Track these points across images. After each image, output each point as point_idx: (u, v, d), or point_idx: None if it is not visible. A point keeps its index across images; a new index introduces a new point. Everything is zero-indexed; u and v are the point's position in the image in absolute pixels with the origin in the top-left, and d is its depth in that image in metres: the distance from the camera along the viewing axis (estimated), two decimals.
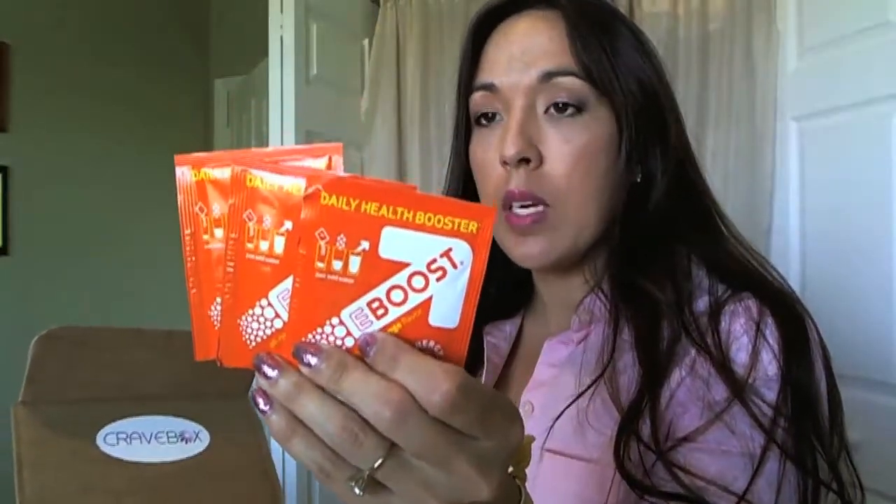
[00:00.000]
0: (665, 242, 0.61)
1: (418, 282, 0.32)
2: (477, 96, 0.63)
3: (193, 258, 0.37)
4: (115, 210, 2.67)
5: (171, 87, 2.90)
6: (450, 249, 0.32)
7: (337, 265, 0.32)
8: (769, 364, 0.53)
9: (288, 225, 0.34)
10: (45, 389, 0.41)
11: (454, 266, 0.32)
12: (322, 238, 0.31)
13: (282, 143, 1.78)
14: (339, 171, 0.36)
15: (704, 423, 0.52)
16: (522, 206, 0.59)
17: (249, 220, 0.34)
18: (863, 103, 1.43)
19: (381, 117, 2.03)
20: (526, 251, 0.60)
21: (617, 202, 0.61)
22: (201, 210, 0.37)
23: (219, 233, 0.37)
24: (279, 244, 0.34)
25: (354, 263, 0.32)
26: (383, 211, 0.31)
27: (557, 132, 0.59)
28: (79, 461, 0.41)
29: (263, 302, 0.34)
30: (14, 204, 2.34)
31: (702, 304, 0.57)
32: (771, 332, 0.54)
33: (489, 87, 0.62)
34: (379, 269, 0.32)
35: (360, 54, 2.09)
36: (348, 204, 0.31)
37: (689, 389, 0.53)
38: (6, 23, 2.33)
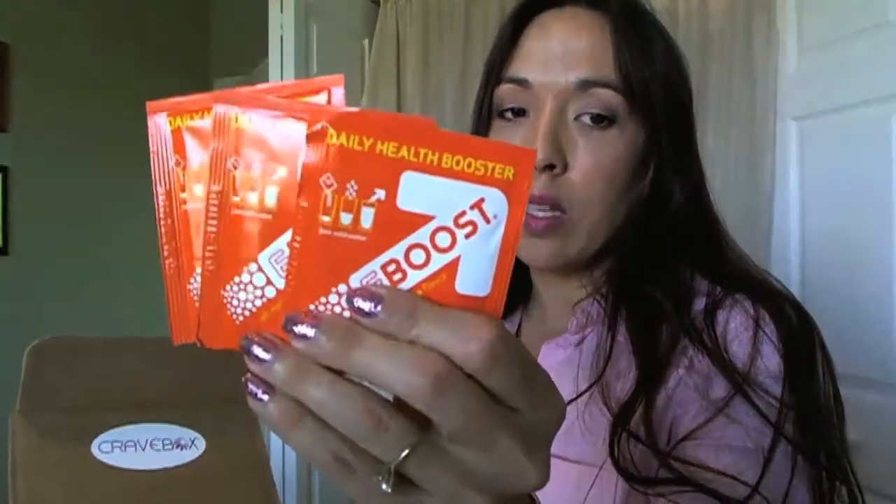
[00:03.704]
0: (671, 258, 0.61)
1: (443, 239, 0.26)
2: (505, 88, 0.61)
3: (168, 221, 0.30)
4: (115, 210, 2.67)
5: (171, 87, 2.88)
6: (482, 200, 0.26)
7: (346, 219, 0.26)
8: (771, 358, 0.52)
9: (282, 172, 0.27)
10: (41, 398, 0.41)
11: (486, 220, 0.26)
12: (328, 186, 0.26)
13: None
14: (343, 106, 0.29)
15: (706, 419, 0.51)
16: (539, 209, 0.58)
17: (235, 167, 0.27)
18: (863, 103, 1.43)
19: None
20: (535, 252, 0.60)
21: (631, 214, 0.61)
22: (178, 164, 0.30)
23: (199, 189, 0.30)
24: (272, 195, 0.27)
25: (367, 217, 0.26)
26: (403, 152, 0.25)
27: (586, 142, 0.58)
28: (72, 469, 0.41)
29: (252, 266, 0.28)
30: (14, 204, 2.34)
31: (699, 304, 0.57)
32: (770, 328, 0.54)
33: (521, 82, 0.60)
34: (396, 223, 0.26)
35: (360, 54, 2.09)
36: (361, 143, 0.25)
37: (688, 388, 0.53)
38: (6, 23, 2.33)
